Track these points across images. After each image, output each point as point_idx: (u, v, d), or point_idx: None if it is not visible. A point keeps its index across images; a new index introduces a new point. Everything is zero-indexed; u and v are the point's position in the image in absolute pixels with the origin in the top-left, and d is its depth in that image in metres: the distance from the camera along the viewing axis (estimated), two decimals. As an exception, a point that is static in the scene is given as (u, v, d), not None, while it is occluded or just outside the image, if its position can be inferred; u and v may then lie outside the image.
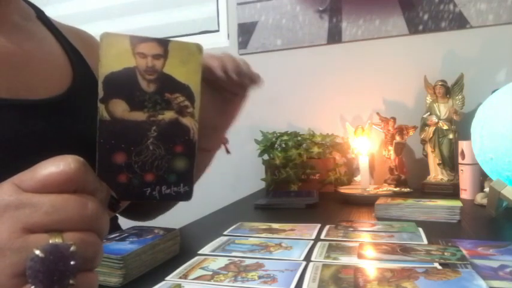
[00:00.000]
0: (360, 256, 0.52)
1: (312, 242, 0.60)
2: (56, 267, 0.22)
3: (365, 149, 1.08)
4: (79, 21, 0.92)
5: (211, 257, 0.54)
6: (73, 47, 0.62)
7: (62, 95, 0.54)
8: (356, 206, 0.90)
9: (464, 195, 0.97)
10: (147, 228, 0.57)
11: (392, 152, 1.14)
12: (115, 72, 0.27)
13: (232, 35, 1.47)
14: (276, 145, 1.21)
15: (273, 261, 0.52)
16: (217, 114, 0.59)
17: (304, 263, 0.50)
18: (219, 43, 1.48)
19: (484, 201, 0.84)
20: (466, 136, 0.92)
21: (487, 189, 0.86)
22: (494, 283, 0.42)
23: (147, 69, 0.27)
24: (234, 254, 0.55)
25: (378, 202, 0.80)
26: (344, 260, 0.51)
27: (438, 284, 0.42)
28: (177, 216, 0.77)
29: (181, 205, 0.77)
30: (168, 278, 0.47)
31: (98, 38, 0.27)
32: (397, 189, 1.05)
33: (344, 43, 1.34)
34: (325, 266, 0.49)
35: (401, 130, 1.14)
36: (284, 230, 0.68)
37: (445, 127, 1.07)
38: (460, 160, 1.00)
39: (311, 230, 0.67)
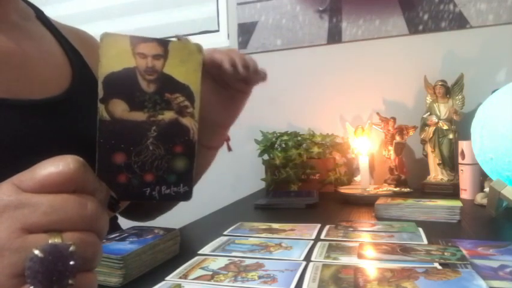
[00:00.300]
0: (360, 256, 0.52)
1: (312, 242, 0.60)
2: (55, 268, 0.22)
3: (365, 149, 1.08)
4: (79, 21, 0.92)
5: (211, 257, 0.54)
6: (72, 47, 0.62)
7: (61, 94, 0.54)
8: (356, 206, 0.90)
9: (464, 195, 0.97)
10: (147, 228, 0.57)
11: (392, 152, 1.14)
12: (115, 73, 0.27)
13: (232, 35, 1.47)
14: (276, 145, 1.21)
15: (273, 261, 0.51)
16: (221, 111, 0.59)
17: (304, 263, 0.50)
18: (219, 43, 1.48)
19: (484, 201, 0.84)
20: (466, 136, 0.92)
21: (487, 189, 0.86)
22: (494, 283, 0.42)
23: (147, 70, 0.27)
24: (234, 254, 0.55)
25: (377, 202, 0.80)
26: (344, 260, 0.51)
27: (438, 284, 0.42)
28: (177, 216, 0.77)
29: (181, 205, 0.77)
30: (168, 278, 0.47)
31: (97, 38, 0.27)
32: (397, 189, 1.05)
33: (344, 43, 1.34)
34: (325, 266, 0.49)
35: (401, 130, 1.14)
36: (284, 230, 0.68)
37: (445, 127, 1.07)
38: (460, 160, 1.00)
39: (311, 230, 0.67)
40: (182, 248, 0.57)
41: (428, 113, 1.11)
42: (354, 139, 1.18)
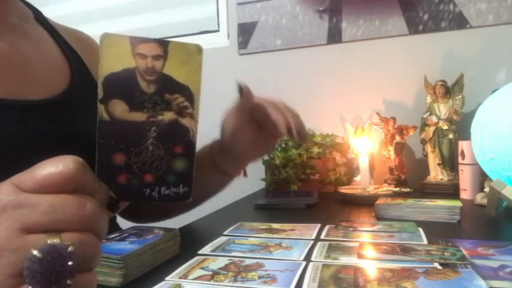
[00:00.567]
0: (360, 256, 0.52)
1: (312, 242, 0.60)
2: (54, 268, 0.22)
3: (365, 149, 1.08)
4: (79, 21, 0.92)
5: (211, 257, 0.54)
6: (71, 48, 0.62)
7: (60, 95, 0.54)
8: (356, 206, 0.90)
9: (464, 195, 0.97)
10: (147, 228, 0.57)
11: (392, 152, 1.14)
12: (115, 73, 0.27)
13: (232, 35, 1.47)
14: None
15: (273, 261, 0.51)
16: (253, 149, 0.63)
17: (304, 263, 0.50)
18: (219, 43, 1.49)
19: (484, 201, 0.84)
20: (466, 136, 0.91)
21: (487, 189, 0.86)
22: (494, 283, 0.42)
23: (147, 70, 0.27)
24: (234, 254, 0.55)
25: (377, 202, 0.80)
26: (344, 260, 0.51)
27: (438, 284, 0.42)
28: (177, 216, 0.77)
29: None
30: (168, 278, 0.47)
31: (97, 39, 0.27)
32: (397, 189, 1.05)
33: (344, 43, 1.34)
34: (325, 266, 0.49)
35: (401, 130, 1.14)
36: (284, 230, 0.68)
37: (445, 127, 1.07)
38: (460, 160, 1.00)
39: (311, 230, 0.67)
40: (182, 248, 0.57)
41: (428, 113, 1.11)
42: (354, 139, 1.18)
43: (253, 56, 1.44)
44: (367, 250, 0.54)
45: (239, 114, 0.60)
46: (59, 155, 0.25)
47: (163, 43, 0.28)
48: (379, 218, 0.77)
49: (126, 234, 0.54)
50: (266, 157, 1.21)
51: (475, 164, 0.93)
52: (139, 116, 0.28)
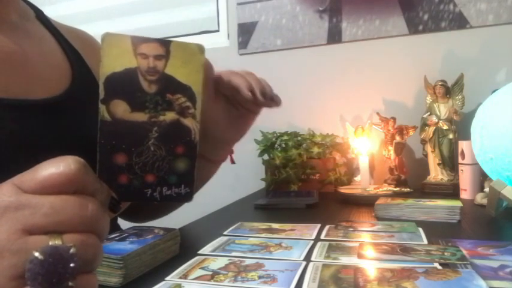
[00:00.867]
0: (360, 256, 0.52)
1: (312, 242, 0.60)
2: (55, 270, 0.22)
3: (365, 149, 1.08)
4: (79, 21, 0.92)
5: (211, 257, 0.54)
6: (72, 47, 0.62)
7: (61, 95, 0.54)
8: (356, 206, 0.90)
9: (464, 195, 0.97)
10: (147, 228, 0.57)
11: (392, 152, 1.14)
12: (116, 73, 0.27)
13: (232, 35, 1.47)
14: (276, 145, 1.21)
15: (273, 261, 0.51)
16: (229, 128, 0.60)
17: (304, 263, 0.50)
18: (219, 43, 1.48)
19: (484, 201, 0.84)
20: (466, 136, 0.91)
21: (487, 189, 0.86)
22: (494, 283, 0.42)
23: (149, 70, 0.27)
24: (234, 254, 0.55)
25: (378, 202, 0.80)
26: (344, 260, 0.51)
27: (438, 284, 0.42)
28: (177, 216, 0.77)
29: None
30: (168, 278, 0.47)
31: (98, 38, 0.27)
32: (397, 189, 1.05)
33: (344, 43, 1.34)
34: (325, 266, 0.49)
35: (401, 130, 1.14)
36: (284, 230, 0.68)
37: (445, 127, 1.07)
38: (460, 160, 1.00)
39: (311, 230, 0.67)
40: (182, 248, 0.57)
41: (428, 113, 1.11)
42: (354, 139, 1.18)
43: (253, 56, 1.44)
44: (367, 250, 0.54)
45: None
46: (60, 155, 0.25)
47: (165, 43, 0.28)
48: (379, 218, 0.77)
49: (126, 234, 0.54)
50: (266, 157, 1.22)
51: (475, 164, 0.93)
52: (140, 116, 0.28)
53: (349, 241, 0.60)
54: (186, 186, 0.29)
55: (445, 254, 0.51)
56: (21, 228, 0.23)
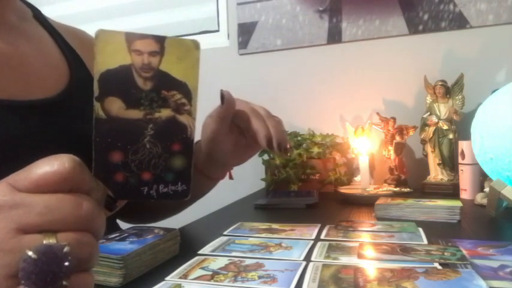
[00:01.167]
0: (360, 256, 0.52)
1: (312, 242, 0.60)
2: (49, 269, 0.22)
3: (365, 149, 1.08)
4: (79, 21, 0.92)
5: (211, 257, 0.54)
6: (70, 47, 0.62)
7: (59, 95, 0.54)
8: (356, 206, 0.90)
9: (464, 195, 0.97)
10: (147, 228, 0.57)
11: (392, 152, 1.14)
12: (111, 70, 0.26)
13: (232, 35, 1.47)
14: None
15: (273, 261, 0.51)
16: (233, 155, 0.62)
17: (304, 263, 0.50)
18: (219, 43, 1.49)
19: (484, 201, 0.84)
20: (466, 136, 0.91)
21: (487, 189, 0.86)
22: (494, 283, 0.42)
23: (143, 67, 0.27)
24: (234, 254, 0.55)
25: (378, 202, 0.80)
26: (344, 260, 0.51)
27: (438, 284, 0.42)
28: (177, 216, 0.77)
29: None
30: (168, 278, 0.47)
31: (95, 37, 0.27)
32: (397, 189, 1.05)
33: (344, 43, 1.34)
34: (325, 266, 0.49)
35: (401, 130, 1.14)
36: (284, 230, 0.68)
37: (445, 127, 1.07)
38: (460, 160, 1.00)
39: (311, 230, 0.67)
40: (182, 248, 0.57)
41: (428, 113, 1.11)
42: (354, 139, 1.18)
43: (253, 56, 1.44)
44: (367, 250, 0.54)
45: (220, 121, 0.58)
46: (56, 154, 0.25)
47: (159, 39, 0.27)
48: (379, 218, 0.77)
49: (126, 234, 0.54)
50: (266, 157, 1.21)
51: (475, 164, 0.93)
52: (136, 114, 0.27)
53: (349, 241, 0.60)
54: (183, 183, 0.29)
55: (445, 254, 0.51)
56: (15, 227, 0.23)
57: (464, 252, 0.51)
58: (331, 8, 1.34)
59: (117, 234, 0.54)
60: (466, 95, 1.08)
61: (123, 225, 0.68)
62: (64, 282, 0.23)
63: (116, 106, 0.27)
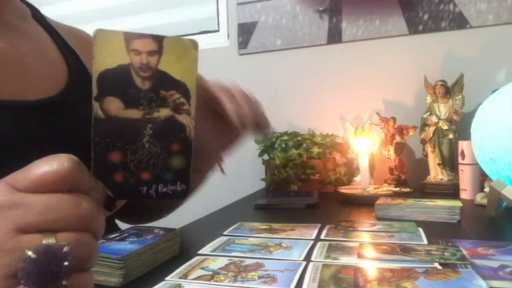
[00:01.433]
0: (360, 256, 0.52)
1: (312, 242, 0.60)
2: (49, 268, 0.22)
3: (365, 149, 1.08)
4: (79, 21, 0.92)
5: (211, 257, 0.54)
6: (68, 46, 0.62)
7: (57, 95, 0.54)
8: (356, 206, 0.90)
9: (464, 195, 0.97)
10: (147, 228, 0.57)
11: (392, 152, 1.14)
12: (109, 70, 0.26)
13: (232, 35, 1.47)
14: (276, 145, 1.21)
15: (273, 261, 0.51)
16: (212, 140, 0.57)
17: (304, 263, 0.50)
18: (219, 43, 1.48)
19: (484, 201, 0.84)
20: (466, 136, 0.91)
21: (487, 189, 0.86)
22: (494, 283, 0.42)
23: (142, 66, 0.27)
24: (234, 254, 0.55)
25: (378, 202, 0.80)
26: (344, 260, 0.51)
27: (438, 284, 0.42)
28: (177, 216, 0.77)
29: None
30: (168, 278, 0.47)
31: (94, 37, 0.27)
32: (397, 189, 1.05)
33: (344, 43, 1.34)
34: (325, 266, 0.49)
35: (401, 130, 1.14)
36: (284, 230, 0.68)
37: (445, 127, 1.07)
38: (460, 160, 1.00)
39: (311, 230, 0.67)
40: (182, 248, 0.57)
41: (428, 113, 1.11)
42: (354, 139, 1.18)
43: (253, 56, 1.44)
44: (367, 250, 0.54)
45: None
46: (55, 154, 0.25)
47: (158, 38, 0.27)
48: (379, 218, 0.77)
49: (126, 234, 0.54)
50: (266, 157, 1.22)
51: (475, 164, 0.93)
52: (134, 113, 0.27)
53: (349, 241, 0.60)
54: (182, 183, 0.29)
55: (445, 254, 0.51)
56: (14, 227, 0.23)
57: (464, 252, 0.51)
58: (331, 8, 1.34)
59: (117, 234, 0.54)
60: (466, 95, 1.08)
61: (122, 225, 0.68)
62: (64, 282, 0.23)
63: (114, 106, 0.27)
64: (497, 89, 0.87)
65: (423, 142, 1.12)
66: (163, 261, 0.53)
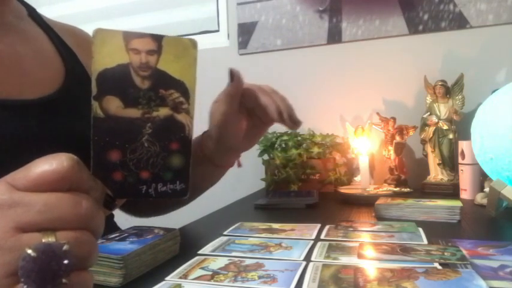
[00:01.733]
0: (360, 256, 0.52)
1: (312, 242, 0.60)
2: (49, 267, 0.22)
3: (365, 149, 1.08)
4: (79, 21, 0.92)
5: (211, 257, 0.54)
6: (65, 45, 0.62)
7: (54, 94, 0.54)
8: (356, 206, 0.90)
9: (464, 195, 0.97)
10: (147, 228, 0.57)
11: (392, 152, 1.14)
12: (108, 69, 0.26)
13: (232, 35, 1.47)
14: (276, 145, 1.21)
15: (273, 261, 0.51)
16: (241, 137, 0.61)
17: (304, 263, 0.50)
18: (219, 43, 1.48)
19: (484, 201, 0.84)
20: (466, 136, 0.91)
21: (487, 189, 0.86)
22: (494, 283, 0.42)
23: (141, 66, 0.27)
24: (234, 254, 0.55)
25: (378, 202, 0.80)
26: (344, 260, 0.51)
27: (438, 284, 0.42)
28: (177, 216, 0.77)
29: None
30: (168, 278, 0.47)
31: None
32: (397, 189, 1.05)
33: (344, 43, 1.34)
34: (325, 266, 0.49)
35: (401, 130, 1.14)
36: (284, 230, 0.68)
37: (445, 127, 1.07)
38: (460, 160, 1.00)
39: (311, 230, 0.67)
40: (182, 248, 0.57)
41: (428, 113, 1.11)
42: (354, 139, 1.18)
43: (253, 56, 1.44)
44: (367, 250, 0.54)
45: (229, 100, 0.57)
46: (54, 153, 0.25)
47: (157, 38, 0.27)
48: (379, 218, 0.77)
49: (126, 234, 0.54)
50: (266, 157, 1.21)
51: (475, 164, 0.93)
52: (134, 113, 0.27)
53: (349, 241, 0.60)
54: (181, 182, 0.29)
55: (445, 254, 0.51)
56: (14, 226, 0.23)
57: (464, 252, 0.51)
58: (331, 8, 1.34)
59: (117, 234, 0.54)
60: (466, 95, 1.08)
61: (122, 225, 0.68)
62: (64, 280, 0.23)
63: (114, 105, 0.27)
64: (497, 89, 0.87)
65: (423, 142, 1.12)
66: (163, 261, 0.53)
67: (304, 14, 1.37)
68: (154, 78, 0.27)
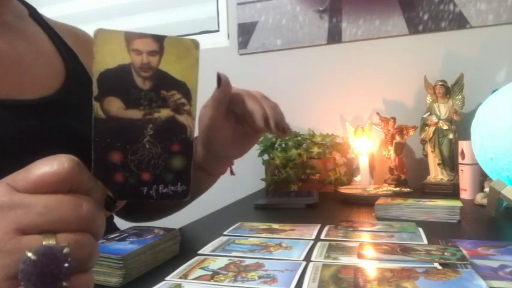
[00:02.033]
0: (360, 256, 0.52)
1: (312, 242, 0.60)
2: (49, 270, 0.22)
3: (365, 149, 1.08)
4: (79, 21, 0.92)
5: (211, 257, 0.54)
6: (66, 45, 0.62)
7: (54, 94, 0.54)
8: (356, 206, 0.90)
9: (464, 195, 0.97)
10: (147, 228, 0.57)
11: (392, 152, 1.14)
12: (110, 70, 0.26)
13: (232, 35, 1.47)
14: (276, 145, 1.21)
15: (273, 261, 0.51)
16: (233, 146, 0.60)
17: (304, 263, 0.50)
18: (219, 43, 1.48)
19: (484, 201, 0.84)
20: (466, 136, 0.91)
21: (487, 189, 0.86)
22: (494, 283, 0.42)
23: (143, 66, 0.27)
24: (234, 254, 0.55)
25: (378, 202, 0.80)
26: (344, 260, 0.51)
27: (438, 284, 0.42)
28: (177, 216, 0.77)
29: (181, 205, 0.77)
30: (168, 278, 0.47)
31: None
32: (397, 189, 1.05)
33: (344, 43, 1.34)
34: (325, 266, 0.49)
35: (401, 130, 1.14)
36: (284, 230, 0.68)
37: (445, 127, 1.07)
38: (460, 160, 1.00)
39: (311, 230, 0.67)
40: (182, 248, 0.57)
41: (428, 113, 1.11)
42: (354, 139, 1.18)
43: (253, 56, 1.44)
44: (367, 250, 0.54)
45: (216, 105, 0.55)
46: (55, 154, 0.25)
47: (158, 38, 0.27)
48: (379, 218, 0.77)
49: (126, 234, 0.54)
50: (266, 157, 1.21)
51: (475, 164, 0.93)
52: (135, 114, 0.27)
53: (349, 241, 0.60)
54: (183, 183, 0.29)
55: (445, 254, 0.51)
56: (14, 228, 0.23)
57: (464, 252, 0.51)
58: (331, 8, 1.34)
59: (117, 234, 0.54)
60: (466, 95, 1.08)
61: (122, 225, 0.68)
62: (64, 283, 0.22)
63: (115, 106, 0.27)
64: (497, 89, 0.87)
65: (423, 142, 1.12)
66: (163, 261, 0.53)
67: (304, 14, 1.37)
68: (155, 79, 0.27)
